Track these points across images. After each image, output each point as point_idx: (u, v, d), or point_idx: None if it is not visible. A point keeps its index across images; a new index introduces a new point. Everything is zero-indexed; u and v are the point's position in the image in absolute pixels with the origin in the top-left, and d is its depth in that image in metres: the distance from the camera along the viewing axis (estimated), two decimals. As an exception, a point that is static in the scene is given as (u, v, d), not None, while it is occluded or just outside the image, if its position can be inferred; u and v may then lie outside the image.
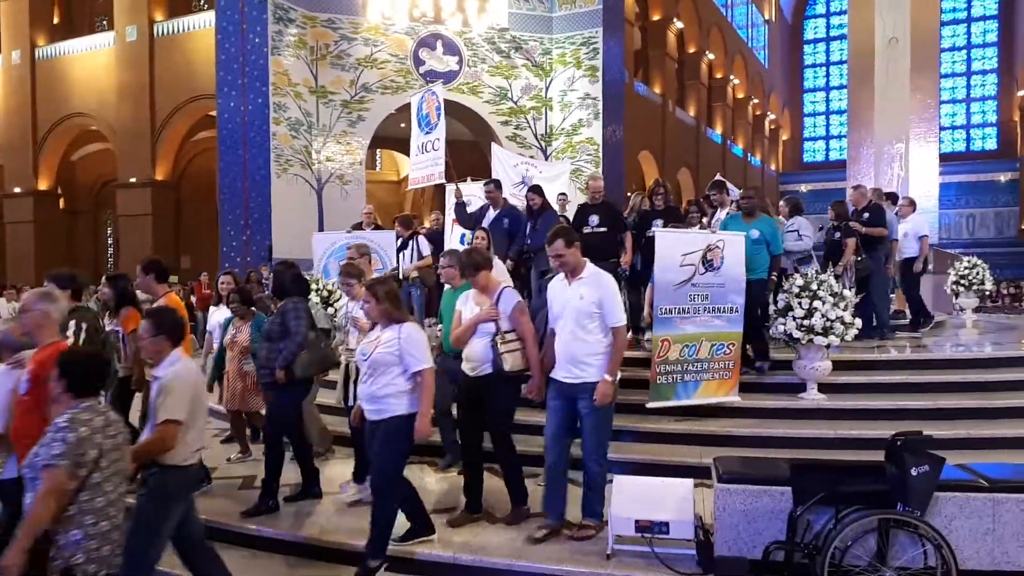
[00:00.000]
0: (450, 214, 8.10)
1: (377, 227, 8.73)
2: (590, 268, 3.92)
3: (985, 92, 39.08)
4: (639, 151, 24.33)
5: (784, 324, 5.46)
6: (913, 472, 3.16)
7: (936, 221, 17.96)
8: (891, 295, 8.75)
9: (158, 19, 20.02)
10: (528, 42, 15.43)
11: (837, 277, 6.06)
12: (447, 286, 4.85)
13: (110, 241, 25.03)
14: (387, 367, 3.54)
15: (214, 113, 14.04)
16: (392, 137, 16.17)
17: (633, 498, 3.68)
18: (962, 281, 9.45)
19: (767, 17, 39.63)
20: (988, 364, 6.44)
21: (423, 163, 7.97)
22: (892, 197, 8.94)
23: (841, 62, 39.51)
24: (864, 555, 3.17)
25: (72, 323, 3.98)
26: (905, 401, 5.54)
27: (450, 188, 7.86)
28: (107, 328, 4.87)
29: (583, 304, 3.81)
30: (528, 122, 15.57)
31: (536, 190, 6.94)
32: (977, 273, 9.38)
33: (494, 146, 10.97)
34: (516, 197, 8.82)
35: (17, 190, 22.48)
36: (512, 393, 4.14)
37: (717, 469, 3.61)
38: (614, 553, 3.63)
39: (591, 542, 3.80)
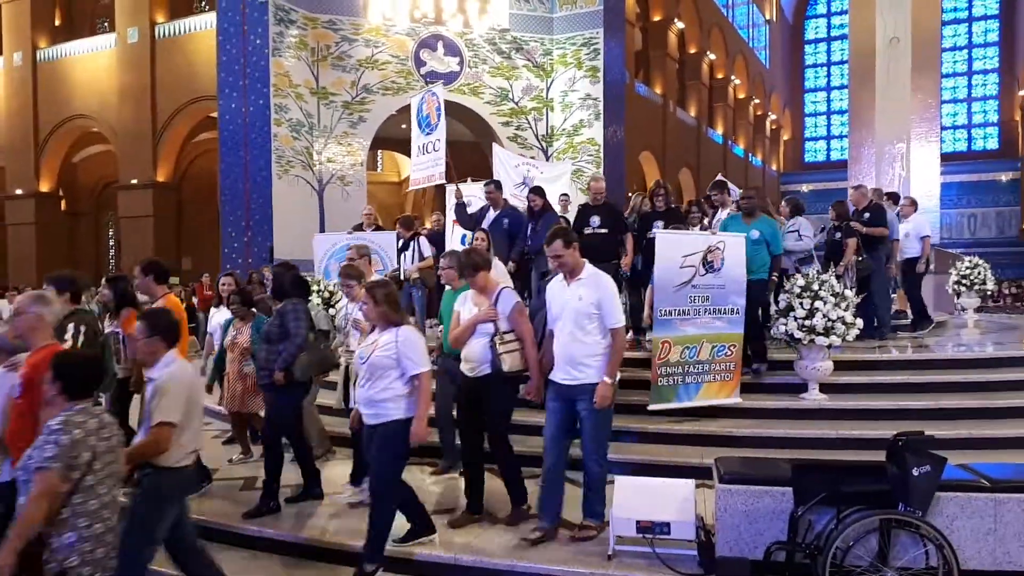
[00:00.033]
0: (451, 215, 8.10)
1: (378, 228, 8.74)
2: (589, 269, 3.92)
3: (986, 92, 39.04)
4: (640, 151, 24.33)
5: (785, 324, 5.45)
6: (915, 472, 3.15)
7: (937, 221, 17.94)
8: (892, 295, 8.74)
9: (159, 21, 20.05)
10: (529, 43, 15.43)
11: (838, 277, 6.04)
12: (448, 287, 4.85)
13: (111, 243, 25.07)
14: (384, 370, 3.52)
15: (215, 114, 14.06)
16: (393, 138, 16.18)
17: (634, 499, 3.68)
18: (964, 281, 9.44)
19: (768, 17, 39.61)
20: (990, 364, 6.43)
21: (424, 164, 7.98)
22: (894, 197, 8.94)
23: (842, 62, 39.47)
24: (866, 555, 3.17)
25: (71, 326, 3.97)
26: (907, 401, 5.54)
27: (450, 189, 7.86)
28: (107, 330, 4.88)
29: (582, 305, 3.80)
30: (529, 123, 15.57)
31: (537, 191, 6.94)
32: (978, 273, 9.37)
33: (495, 147, 10.97)
34: (517, 198, 8.82)
35: (19, 192, 22.52)
36: (510, 394, 4.14)
37: (718, 469, 3.61)
38: (615, 554, 3.63)
39: (592, 543, 3.80)
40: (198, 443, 3.22)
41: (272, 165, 13.09)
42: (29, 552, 2.49)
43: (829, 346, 5.44)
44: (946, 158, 26.23)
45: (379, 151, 24.03)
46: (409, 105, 8.87)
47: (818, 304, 5.35)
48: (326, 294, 7.51)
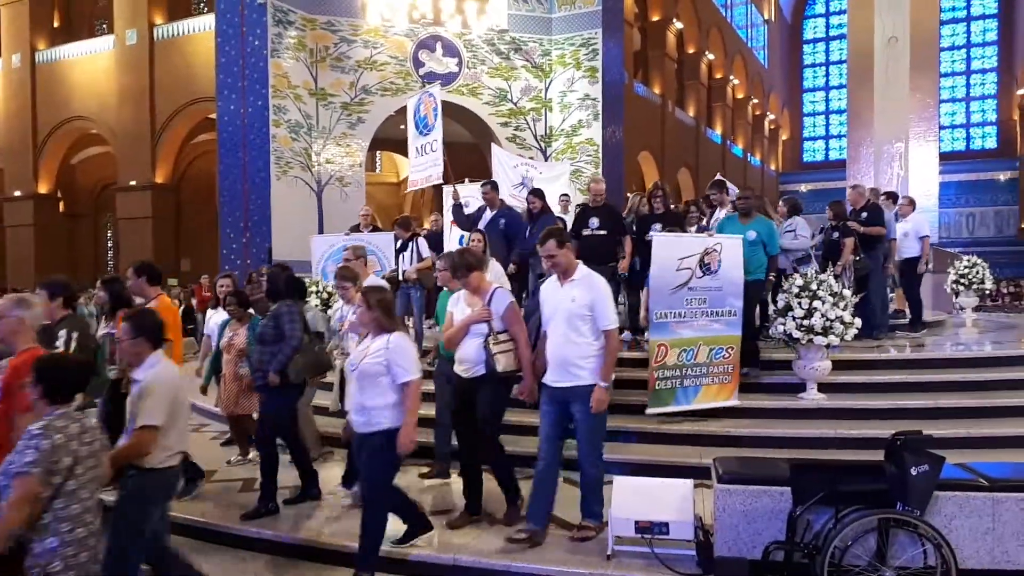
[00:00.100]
0: (449, 216, 8.10)
1: (375, 228, 8.74)
2: (582, 270, 3.90)
3: (985, 91, 39.08)
4: (639, 152, 24.33)
5: (784, 324, 5.45)
6: (913, 471, 3.15)
7: (936, 220, 17.95)
8: (891, 295, 8.75)
9: (158, 22, 20.05)
10: (527, 43, 15.43)
11: (836, 277, 6.05)
12: (445, 288, 4.85)
13: (110, 244, 25.04)
14: (375, 378, 3.46)
15: (214, 116, 14.05)
16: (392, 139, 16.16)
17: (633, 499, 3.68)
18: (962, 280, 9.45)
19: (766, 17, 39.63)
20: (988, 363, 6.44)
21: (422, 165, 7.99)
22: (892, 196, 8.94)
23: (841, 62, 39.50)
24: (864, 555, 3.17)
25: (63, 332, 3.96)
26: (905, 400, 5.54)
27: (448, 190, 7.86)
28: (104, 331, 4.87)
29: (574, 306, 3.78)
30: (528, 123, 15.57)
31: (537, 193, 6.93)
32: (977, 272, 9.38)
33: (494, 147, 10.97)
34: (516, 198, 8.83)
35: (17, 194, 22.51)
36: (504, 394, 4.14)
37: (717, 469, 3.61)
38: (614, 554, 3.63)
39: (591, 543, 3.80)
40: (184, 444, 3.22)
41: (271, 166, 13.07)
42: (10, 558, 2.48)
43: (827, 346, 5.44)
44: (944, 157, 26.26)
45: (378, 152, 24.03)
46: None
47: (816, 304, 5.35)
48: (324, 295, 7.51)
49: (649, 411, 5.34)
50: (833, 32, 42.86)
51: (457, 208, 7.31)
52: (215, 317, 6.48)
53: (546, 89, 15.65)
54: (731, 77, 34.05)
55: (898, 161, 16.94)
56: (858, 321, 5.52)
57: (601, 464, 3.95)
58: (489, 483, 4.32)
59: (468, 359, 4.08)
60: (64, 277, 4.60)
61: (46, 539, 2.51)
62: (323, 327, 5.35)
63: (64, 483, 2.52)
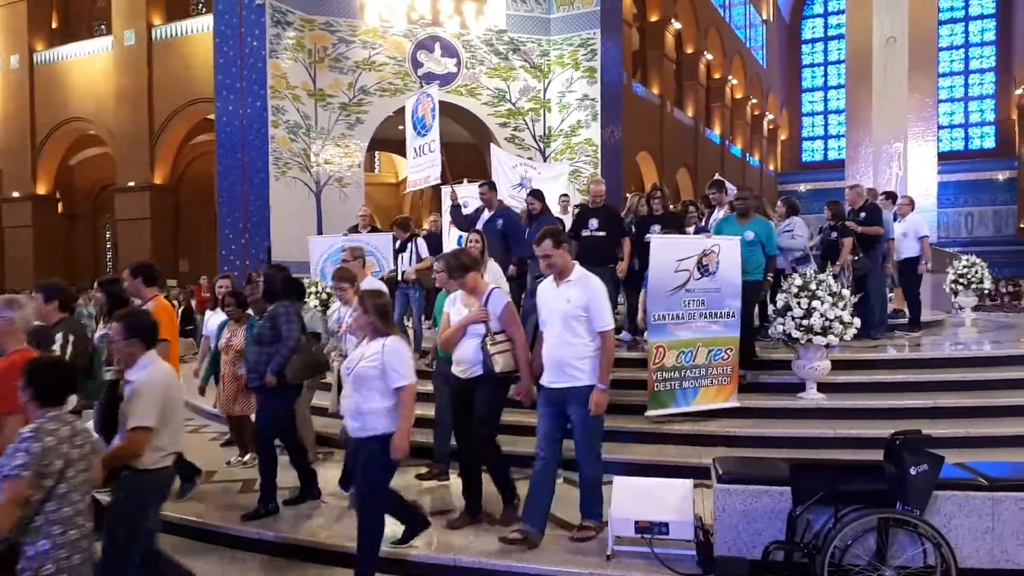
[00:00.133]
0: (447, 216, 8.10)
1: (374, 229, 8.73)
2: (578, 271, 3.89)
3: (983, 91, 39.12)
4: (638, 152, 24.34)
5: (783, 324, 5.46)
6: (912, 471, 3.16)
7: (935, 220, 17.97)
8: (890, 294, 8.76)
9: (156, 23, 20.04)
10: (526, 44, 15.43)
11: (835, 277, 6.05)
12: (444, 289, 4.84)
13: (109, 245, 25.02)
14: (370, 382, 3.42)
15: (212, 117, 14.04)
16: (391, 139, 16.15)
17: (633, 499, 3.68)
18: (961, 280, 9.46)
19: (765, 17, 39.65)
20: (987, 362, 6.46)
21: (420, 165, 7.98)
22: (892, 196, 8.95)
23: (839, 62, 39.52)
24: (864, 554, 3.17)
25: (59, 335, 3.94)
26: (904, 400, 5.55)
27: (446, 191, 7.86)
28: (101, 332, 4.86)
29: (570, 307, 3.77)
30: (527, 123, 15.57)
31: (536, 195, 6.93)
32: (976, 272, 9.39)
33: (493, 147, 10.97)
34: (515, 199, 8.83)
35: (16, 194, 22.49)
36: (501, 394, 4.13)
37: (716, 469, 3.61)
38: (614, 554, 3.63)
39: (591, 543, 3.80)
40: (177, 445, 3.22)
41: (270, 167, 13.06)
42: (2, 561, 2.48)
43: (827, 345, 5.44)
44: (943, 157, 26.28)
45: (376, 152, 24.02)
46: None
47: (815, 304, 5.35)
48: (323, 295, 7.50)
49: (648, 413, 5.34)
50: (832, 32, 42.89)
51: (455, 209, 7.31)
52: (214, 318, 6.47)
53: (545, 89, 15.65)
54: (730, 77, 34.07)
55: (897, 161, 16.96)
56: (857, 321, 5.52)
57: (600, 464, 3.95)
58: (489, 484, 4.32)
59: (466, 360, 4.08)
60: (60, 280, 4.58)
61: (38, 542, 2.51)
62: (321, 328, 5.34)
63: (55, 486, 2.52)
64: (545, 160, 14.89)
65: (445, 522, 4.18)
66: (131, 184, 20.42)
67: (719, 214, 7.20)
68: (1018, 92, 34.56)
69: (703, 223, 7.75)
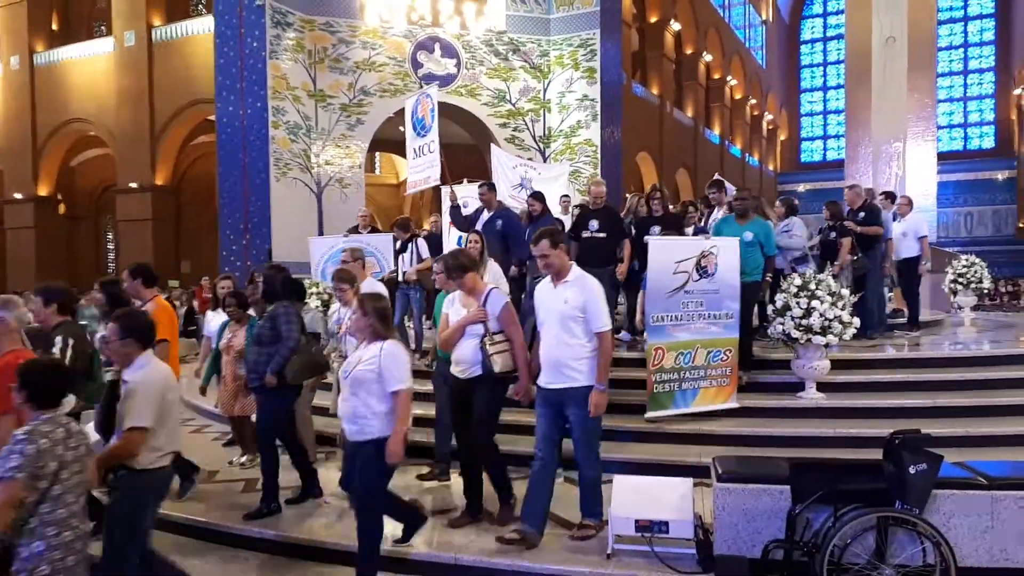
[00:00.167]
0: (446, 217, 8.11)
1: (374, 230, 8.75)
2: (575, 271, 3.89)
3: (982, 91, 39.12)
4: (637, 152, 24.35)
5: (782, 324, 5.47)
6: (911, 470, 3.17)
7: (934, 219, 17.98)
8: (889, 294, 8.77)
9: (156, 24, 20.05)
10: (526, 44, 15.45)
11: (834, 277, 6.06)
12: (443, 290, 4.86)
13: (110, 246, 25.05)
14: (367, 385, 3.41)
15: (213, 117, 14.05)
16: (391, 140, 16.16)
17: (633, 498, 3.70)
18: (960, 279, 9.47)
19: (764, 17, 39.67)
20: (986, 362, 6.47)
21: (420, 166, 7.99)
22: (891, 196, 8.96)
23: (838, 62, 39.53)
24: (863, 553, 3.18)
25: (59, 338, 3.95)
26: (903, 399, 5.57)
27: (445, 191, 7.87)
28: (103, 333, 4.87)
29: (567, 308, 3.77)
30: (526, 124, 15.58)
31: (537, 196, 6.94)
32: (975, 271, 9.40)
33: (493, 147, 10.98)
34: (515, 199, 8.84)
35: (17, 196, 22.50)
36: (500, 394, 4.14)
37: (716, 468, 3.62)
38: (614, 553, 3.65)
39: (591, 542, 3.81)
40: (175, 444, 3.23)
41: (270, 168, 13.08)
42: None
43: (826, 345, 5.46)
44: (942, 157, 26.26)
45: (377, 153, 24.03)
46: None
47: (815, 303, 5.37)
48: (325, 296, 7.52)
49: (648, 415, 5.34)
50: (831, 32, 42.90)
51: (455, 210, 7.32)
52: (215, 318, 6.49)
53: (544, 90, 15.67)
54: (729, 77, 34.08)
55: (896, 161, 16.97)
56: (856, 320, 5.53)
57: (598, 464, 3.96)
58: (489, 483, 4.33)
59: (464, 360, 4.09)
60: (60, 283, 4.58)
61: (32, 543, 2.51)
62: (321, 328, 5.35)
63: (50, 488, 2.52)
64: (545, 161, 14.90)
65: (446, 521, 4.19)
66: (132, 185, 20.43)
67: (718, 214, 7.20)
68: (1017, 92, 34.57)
69: (703, 223, 7.76)
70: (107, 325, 4.93)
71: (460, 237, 7.79)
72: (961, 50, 39.35)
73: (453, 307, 4.20)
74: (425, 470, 5.14)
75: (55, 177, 22.79)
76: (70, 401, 3.28)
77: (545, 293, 3.94)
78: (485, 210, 6.89)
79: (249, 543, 4.21)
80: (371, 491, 3.50)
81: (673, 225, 6.68)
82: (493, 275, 5.42)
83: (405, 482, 4.91)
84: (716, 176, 9.29)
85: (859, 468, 3.48)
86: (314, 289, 7.72)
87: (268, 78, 13.07)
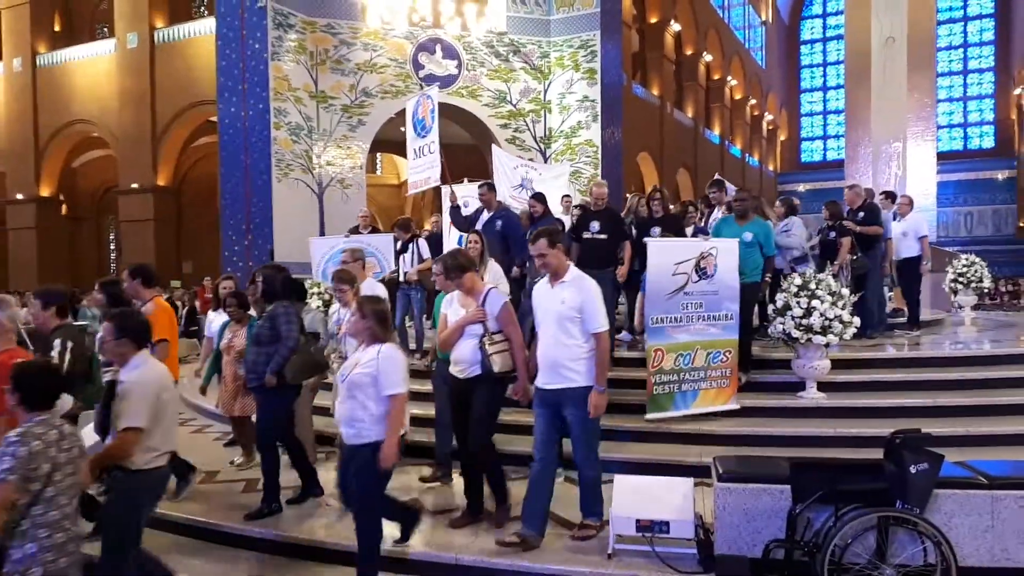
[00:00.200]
0: (447, 217, 8.13)
1: (374, 230, 8.77)
2: (573, 272, 3.88)
3: (982, 90, 39.10)
4: (638, 153, 24.36)
5: (783, 323, 5.47)
6: (912, 470, 3.17)
7: (934, 219, 17.96)
8: (889, 294, 8.77)
9: (159, 26, 20.08)
10: (526, 45, 15.46)
11: (834, 276, 6.07)
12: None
13: (112, 247, 25.08)
14: (363, 388, 3.39)
15: (215, 118, 14.08)
16: (392, 141, 16.17)
17: (634, 498, 3.70)
18: (960, 279, 9.47)
19: (764, 18, 39.67)
20: (987, 361, 6.47)
21: (420, 167, 8.00)
22: (891, 196, 8.97)
23: (838, 62, 39.52)
24: (864, 553, 3.18)
25: (57, 342, 3.95)
26: (904, 399, 5.57)
27: (446, 190, 7.88)
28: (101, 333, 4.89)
29: (564, 308, 3.75)
30: (527, 125, 15.60)
31: (539, 198, 6.94)
32: (975, 271, 9.40)
33: (494, 148, 10.99)
34: (516, 199, 8.85)
35: (19, 197, 22.53)
36: (499, 394, 4.14)
37: (717, 468, 3.63)
38: (615, 553, 3.65)
39: (592, 542, 3.81)
40: (171, 444, 3.23)
41: (272, 168, 13.10)
42: None
43: (827, 345, 5.46)
44: (942, 157, 26.28)
45: (378, 154, 24.05)
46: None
47: (815, 303, 5.37)
48: (326, 296, 7.53)
49: (648, 417, 5.33)
50: (830, 33, 42.89)
51: (455, 210, 7.33)
52: (217, 319, 6.50)
53: (545, 91, 15.68)
54: (729, 78, 34.09)
55: (896, 161, 16.96)
56: (857, 320, 5.54)
57: (598, 464, 3.95)
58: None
59: (463, 360, 4.08)
60: (59, 286, 4.58)
61: (24, 545, 2.51)
62: (321, 329, 5.35)
63: (43, 490, 2.52)
64: (546, 161, 14.92)
65: (447, 521, 4.20)
66: (134, 186, 20.46)
67: (718, 214, 7.21)
68: (1017, 92, 34.54)
69: (703, 223, 7.77)
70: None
71: (460, 237, 7.80)
72: (961, 50, 39.33)
73: (451, 307, 4.20)
74: (426, 470, 5.15)
75: (57, 178, 22.82)
76: (66, 403, 3.30)
77: (542, 293, 3.93)
78: (485, 210, 6.90)
79: (250, 543, 4.22)
80: (368, 494, 3.49)
81: (673, 226, 6.68)
82: (493, 275, 5.42)
83: (407, 483, 4.92)
84: (717, 176, 9.30)
85: (860, 468, 3.48)
86: (315, 289, 7.73)
87: (270, 79, 13.10)
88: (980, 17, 38.96)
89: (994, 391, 5.67)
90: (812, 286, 5.45)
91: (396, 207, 24.40)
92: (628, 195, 8.97)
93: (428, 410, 5.26)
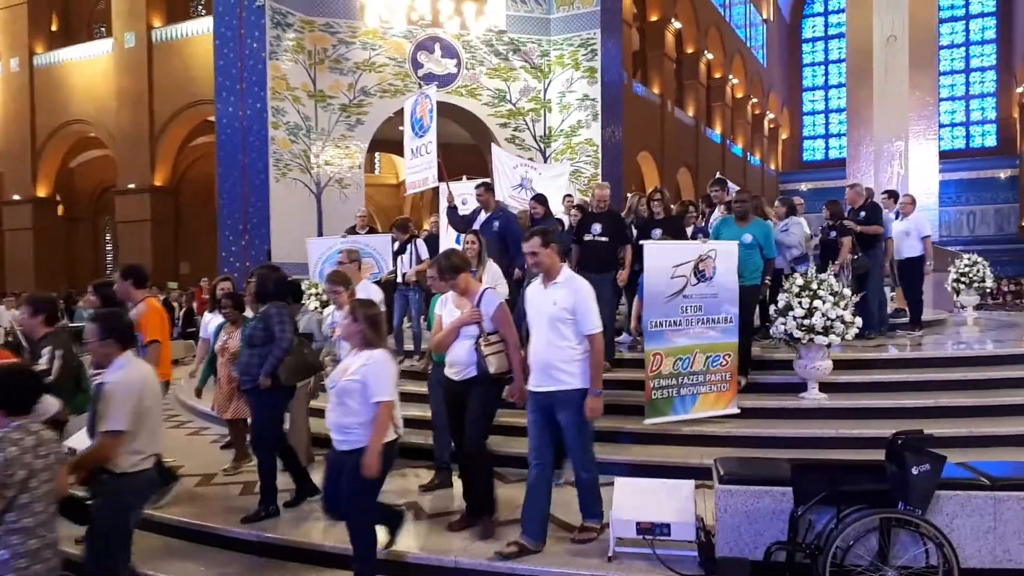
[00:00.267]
0: (444, 217, 8.10)
1: (372, 230, 8.74)
2: (565, 273, 3.83)
3: (984, 89, 39.08)
4: (638, 152, 24.33)
5: (784, 324, 5.44)
6: (914, 471, 3.15)
7: (936, 218, 17.92)
8: (891, 294, 8.74)
9: (156, 25, 20.06)
10: (526, 44, 15.44)
11: (835, 276, 6.03)
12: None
13: (109, 247, 25.05)
14: (353, 395, 3.36)
15: (213, 118, 14.05)
16: (391, 140, 16.14)
17: (634, 500, 3.67)
18: (963, 279, 9.43)
19: (765, 16, 39.64)
20: (989, 362, 6.44)
21: (418, 167, 7.97)
22: (893, 195, 8.93)
23: (840, 60, 39.47)
24: (866, 554, 3.16)
25: (46, 350, 3.92)
26: (906, 400, 5.54)
27: (443, 191, 7.85)
28: None
29: (556, 310, 3.70)
30: (527, 124, 15.57)
31: (540, 200, 6.89)
32: (978, 270, 9.36)
33: (494, 147, 10.96)
34: (515, 199, 8.82)
35: (16, 197, 22.52)
36: (495, 395, 4.10)
37: (718, 470, 3.60)
38: (616, 555, 3.62)
39: (592, 544, 3.78)
40: (156, 446, 3.20)
41: (270, 168, 13.08)
42: None
43: (828, 345, 5.43)
44: (944, 155, 26.23)
45: (377, 153, 24.03)
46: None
47: (817, 303, 5.33)
48: (324, 297, 7.49)
49: (646, 422, 5.27)
50: (832, 31, 42.87)
51: (451, 210, 7.30)
52: (213, 320, 6.45)
53: (545, 90, 15.65)
54: (730, 77, 34.06)
55: (898, 159, 16.93)
56: (859, 320, 5.50)
57: (594, 466, 3.89)
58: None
59: (459, 361, 4.04)
60: (49, 294, 4.56)
61: None
62: (316, 330, 5.31)
63: (18, 496, 2.49)
64: (546, 160, 14.89)
65: (446, 524, 4.16)
66: (131, 186, 20.44)
67: (718, 213, 7.16)
68: (1019, 90, 34.52)
69: (703, 223, 7.72)
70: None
71: (459, 236, 7.76)
72: (963, 48, 39.30)
73: (446, 308, 4.16)
74: (423, 473, 5.11)
75: (54, 178, 22.80)
76: (48, 407, 3.26)
77: (535, 294, 3.88)
78: (483, 211, 6.86)
79: (246, 546, 4.19)
80: (359, 500, 3.45)
81: (674, 228, 6.60)
82: (493, 276, 5.38)
83: (403, 486, 4.89)
84: (718, 175, 9.26)
85: (862, 469, 3.45)
86: (312, 291, 7.70)
87: (268, 79, 13.08)
88: (982, 15, 38.93)
89: (996, 392, 5.64)
90: (814, 286, 5.42)
91: (395, 207, 24.38)
92: (628, 195, 8.93)
93: (427, 412, 5.22)
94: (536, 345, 3.79)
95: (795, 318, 5.36)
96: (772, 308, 5.75)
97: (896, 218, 8.34)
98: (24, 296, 4.44)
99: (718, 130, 33.16)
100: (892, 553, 3.16)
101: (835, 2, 41.85)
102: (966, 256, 9.66)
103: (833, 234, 7.40)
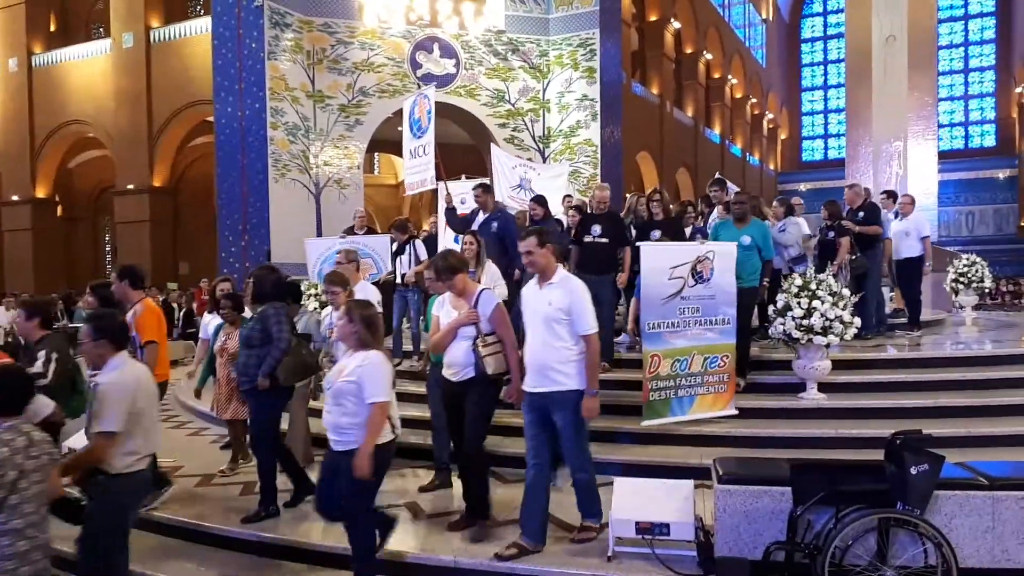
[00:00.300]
0: (442, 218, 8.09)
1: (370, 230, 8.73)
2: (560, 273, 3.83)
3: (983, 89, 39.10)
4: (637, 152, 24.33)
5: (783, 324, 5.44)
6: (913, 471, 3.15)
7: (935, 219, 17.91)
8: (890, 294, 8.74)
9: (154, 25, 20.05)
10: (525, 44, 15.43)
11: (834, 277, 6.04)
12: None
13: (108, 248, 25.03)
14: (348, 396, 3.35)
15: (211, 118, 14.04)
16: (390, 141, 16.14)
17: (633, 500, 3.67)
18: (961, 279, 9.44)
19: (764, 16, 39.65)
20: (988, 362, 6.45)
21: (416, 168, 7.97)
22: (892, 195, 8.93)
23: (839, 60, 39.52)
24: (864, 554, 3.17)
25: (42, 353, 3.92)
26: (905, 400, 5.54)
27: (442, 191, 7.85)
28: None
29: (551, 310, 3.69)
30: (526, 124, 15.56)
31: (539, 201, 6.88)
32: (976, 271, 9.37)
33: (493, 147, 10.95)
34: (514, 200, 8.81)
35: (15, 198, 22.50)
36: (493, 395, 4.10)
37: (717, 470, 3.60)
38: (615, 555, 3.62)
39: (592, 544, 3.79)
40: (152, 447, 3.20)
41: (269, 169, 13.06)
42: None
43: (827, 345, 5.43)
44: (943, 156, 26.25)
45: (376, 154, 24.02)
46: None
47: (816, 303, 5.34)
48: (323, 298, 7.49)
49: (644, 423, 5.25)
50: (831, 31, 42.89)
51: (450, 211, 7.29)
52: (212, 321, 6.45)
53: (544, 90, 15.64)
54: (729, 77, 34.06)
55: (897, 160, 16.93)
56: (857, 320, 5.51)
57: (591, 466, 3.89)
58: (492, 486, 4.29)
59: (456, 362, 4.04)
60: (44, 298, 4.58)
61: None
62: (314, 331, 5.30)
63: (7, 497, 2.48)
64: (545, 161, 14.88)
65: (445, 524, 4.16)
66: (130, 187, 20.42)
67: (716, 214, 7.16)
68: (1018, 90, 34.55)
69: (702, 224, 7.72)
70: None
71: (457, 237, 7.76)
72: (962, 48, 39.33)
73: (443, 309, 4.15)
74: (423, 473, 5.11)
75: (53, 179, 22.79)
76: (42, 409, 3.26)
77: (530, 294, 3.88)
78: (481, 212, 6.85)
79: (245, 546, 4.19)
80: (357, 502, 3.44)
81: (673, 230, 6.58)
82: (491, 277, 5.38)
83: (402, 487, 4.89)
84: (718, 175, 9.26)
85: (860, 469, 3.45)
86: (312, 291, 7.69)
87: (266, 79, 13.05)
88: (981, 15, 38.96)
89: (995, 392, 5.65)
90: (813, 286, 5.42)
91: (394, 207, 24.38)
92: (628, 195, 8.93)
93: (426, 412, 5.22)
94: (532, 346, 3.79)
95: (794, 318, 5.37)
96: (771, 308, 5.75)
97: (895, 218, 8.35)
98: (20, 300, 4.44)
99: (717, 130, 33.17)
100: (891, 553, 3.16)
101: (834, 2, 41.87)
102: (965, 256, 9.67)
103: (831, 234, 7.40)
